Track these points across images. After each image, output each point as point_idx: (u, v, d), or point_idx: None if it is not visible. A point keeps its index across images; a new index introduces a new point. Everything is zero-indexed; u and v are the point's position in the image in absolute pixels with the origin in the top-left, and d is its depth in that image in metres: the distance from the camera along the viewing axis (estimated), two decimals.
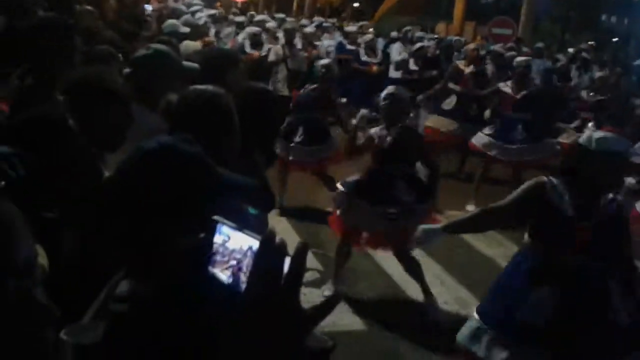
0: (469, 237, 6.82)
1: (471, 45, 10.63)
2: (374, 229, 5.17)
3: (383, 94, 5.25)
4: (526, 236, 3.42)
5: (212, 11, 14.49)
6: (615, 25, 34.79)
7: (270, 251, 1.53)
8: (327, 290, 5.14)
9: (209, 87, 2.47)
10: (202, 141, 1.89)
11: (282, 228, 5.93)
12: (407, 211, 5.01)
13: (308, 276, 5.37)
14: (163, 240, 1.65)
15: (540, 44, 15.53)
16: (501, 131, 7.89)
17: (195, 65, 3.87)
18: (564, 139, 9.57)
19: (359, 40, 13.42)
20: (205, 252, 1.60)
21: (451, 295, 5.41)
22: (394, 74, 12.00)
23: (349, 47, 13.36)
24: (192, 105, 2.32)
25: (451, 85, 9.38)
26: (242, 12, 21.59)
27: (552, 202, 3.20)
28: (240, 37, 12.16)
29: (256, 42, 11.38)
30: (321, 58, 12.75)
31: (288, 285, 1.51)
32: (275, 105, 3.64)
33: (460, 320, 4.83)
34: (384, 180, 5.10)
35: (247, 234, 1.57)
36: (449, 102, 9.21)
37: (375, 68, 12.59)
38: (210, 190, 1.69)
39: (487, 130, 8.06)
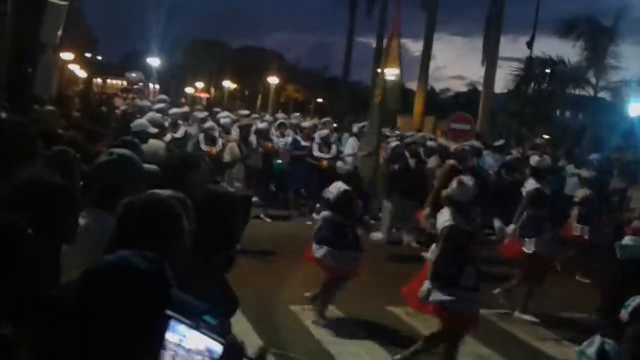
0: None
1: (460, 146, 10.81)
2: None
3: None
4: None
5: (181, 109, 14.66)
6: (570, 119, 36.14)
7: (232, 354, 1.53)
8: None
9: (157, 192, 2.49)
10: (148, 248, 1.89)
11: (243, 329, 5.82)
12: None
13: None
14: None
15: (501, 141, 15.96)
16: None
17: (156, 168, 3.90)
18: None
19: (314, 135, 13.66)
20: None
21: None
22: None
23: (304, 143, 13.60)
24: (137, 212, 2.34)
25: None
26: (207, 108, 21.98)
27: None
28: (197, 134, 12.44)
29: (211, 137, 11.66)
30: (277, 154, 13.15)
31: None
32: (236, 208, 3.67)
33: None
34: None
35: (203, 333, 1.56)
36: None
37: (324, 163, 12.80)
38: (160, 312, 1.68)
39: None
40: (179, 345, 1.57)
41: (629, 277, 3.88)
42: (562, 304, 8.14)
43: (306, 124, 15.81)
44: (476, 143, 13.67)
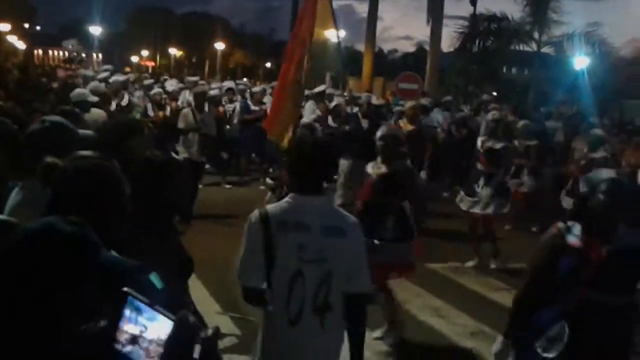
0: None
1: (409, 103, 10.79)
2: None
3: (378, 134, 5.75)
4: None
5: (123, 77, 14.37)
6: (516, 76, 36.64)
7: (182, 335, 1.50)
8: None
9: (88, 154, 2.42)
10: (84, 214, 1.84)
11: (200, 294, 5.79)
12: (388, 248, 5.35)
13: (227, 342, 5.26)
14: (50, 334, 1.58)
15: (448, 97, 16.11)
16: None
17: (91, 133, 3.80)
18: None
19: (265, 100, 13.60)
20: (110, 337, 1.54)
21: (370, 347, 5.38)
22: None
23: (253, 107, 13.53)
24: (71, 175, 2.27)
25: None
26: (152, 76, 21.60)
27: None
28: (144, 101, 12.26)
29: (158, 104, 11.49)
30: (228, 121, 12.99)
31: None
32: (179, 175, 3.64)
33: None
34: (377, 213, 5.40)
35: (159, 311, 1.52)
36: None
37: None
38: (90, 275, 1.64)
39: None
40: (141, 337, 1.54)
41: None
42: (515, 256, 8.34)
43: (256, 88, 15.69)
44: (424, 101, 13.76)
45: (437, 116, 13.62)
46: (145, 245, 3.13)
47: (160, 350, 1.50)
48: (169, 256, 3.48)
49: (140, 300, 1.53)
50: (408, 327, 5.86)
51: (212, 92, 12.66)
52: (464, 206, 8.05)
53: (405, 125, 9.58)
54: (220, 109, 12.44)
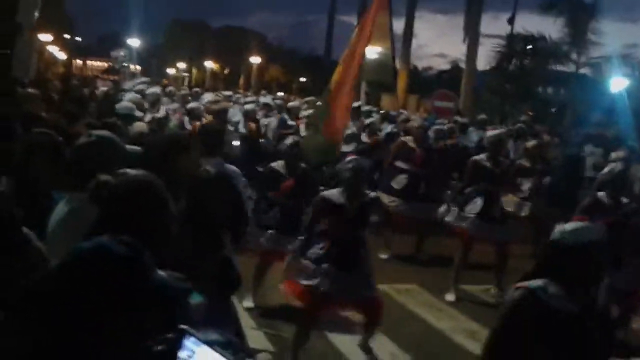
0: (422, 311, 6.83)
1: (415, 123, 10.28)
2: (345, 295, 5.21)
3: (344, 166, 5.34)
4: None
5: (159, 89, 14.53)
6: (552, 96, 36.24)
7: None
8: None
9: (138, 173, 2.44)
10: (133, 233, 1.85)
11: None
12: (368, 281, 5.28)
13: (261, 358, 5.24)
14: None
15: (483, 116, 16.01)
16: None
17: (138, 149, 3.83)
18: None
19: (301, 115, 13.63)
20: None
21: None
22: (344, 147, 12.17)
23: (290, 122, 13.55)
24: (122, 194, 2.29)
25: (399, 163, 8.99)
26: (190, 89, 21.83)
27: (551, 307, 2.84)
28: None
29: (195, 116, 11.44)
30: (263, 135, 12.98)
31: None
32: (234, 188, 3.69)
33: None
34: (351, 248, 5.23)
35: (216, 350, 1.51)
36: (399, 181, 8.90)
37: None
38: (143, 295, 1.65)
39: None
40: None
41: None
42: None
43: (293, 103, 15.77)
44: (460, 119, 13.69)
45: (472, 135, 13.53)
46: (194, 260, 3.16)
47: None
48: (215, 271, 3.51)
49: (197, 338, 1.53)
50: (444, 350, 5.81)
51: (247, 107, 12.71)
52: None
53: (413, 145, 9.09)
54: (253, 125, 12.42)
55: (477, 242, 7.55)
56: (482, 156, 7.63)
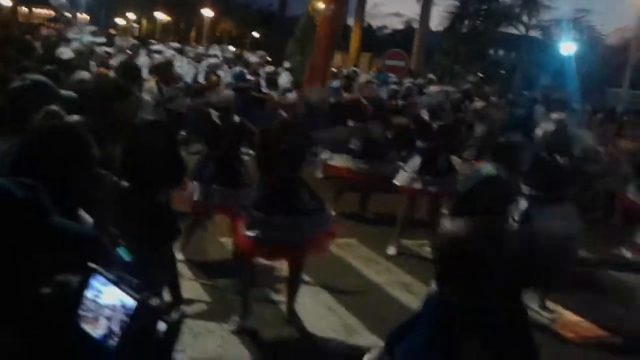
0: (358, 264, 6.97)
1: (363, 77, 10.26)
2: (284, 239, 5.00)
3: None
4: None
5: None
6: (502, 58, 36.66)
7: (144, 315, 1.49)
8: (232, 324, 5.01)
9: (61, 116, 2.41)
10: (48, 176, 1.84)
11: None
12: (315, 219, 5.10)
13: (196, 308, 5.31)
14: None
15: (431, 75, 16.15)
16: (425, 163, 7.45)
17: (74, 95, 3.79)
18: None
19: (260, 71, 13.55)
20: (72, 304, 1.54)
21: (341, 322, 5.46)
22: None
23: (249, 77, 13.48)
24: (42, 135, 2.25)
25: (351, 123, 8.69)
26: (139, 39, 21.35)
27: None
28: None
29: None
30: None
31: (160, 351, 1.48)
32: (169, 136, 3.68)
33: (350, 347, 4.96)
34: (291, 189, 5.04)
35: (122, 289, 1.52)
36: (355, 141, 8.65)
37: (272, 96, 12.70)
38: (42, 240, 1.65)
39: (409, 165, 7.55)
40: (93, 301, 1.53)
41: None
42: None
43: (253, 58, 15.63)
44: (416, 81, 13.86)
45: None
46: (134, 207, 3.17)
47: (116, 315, 1.49)
48: (156, 218, 3.52)
49: (107, 278, 1.53)
50: (380, 302, 5.95)
51: (212, 61, 12.54)
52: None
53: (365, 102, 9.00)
54: (215, 77, 12.19)
55: (419, 197, 7.67)
56: (423, 112, 7.69)
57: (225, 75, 13.49)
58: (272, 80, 13.16)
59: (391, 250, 7.45)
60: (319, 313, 5.59)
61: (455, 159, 9.08)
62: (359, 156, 8.61)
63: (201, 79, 12.62)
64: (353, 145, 8.68)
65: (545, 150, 5.97)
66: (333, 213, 8.40)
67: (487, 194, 3.04)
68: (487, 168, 3.18)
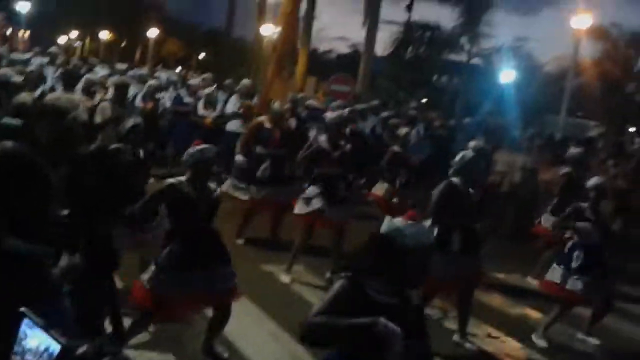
0: (303, 291, 6.97)
1: (276, 105, 9.60)
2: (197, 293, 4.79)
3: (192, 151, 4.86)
4: None
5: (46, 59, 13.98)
6: (446, 84, 37.46)
7: None
8: None
9: (9, 145, 2.36)
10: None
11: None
12: (225, 274, 4.94)
13: (140, 338, 5.20)
14: None
15: (375, 102, 16.33)
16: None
17: (14, 122, 3.71)
18: (377, 190, 9.88)
19: (199, 93, 13.50)
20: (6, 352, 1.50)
21: (285, 352, 5.44)
22: (230, 126, 12.16)
23: (187, 99, 13.40)
24: None
25: (260, 149, 8.58)
26: (83, 59, 21.02)
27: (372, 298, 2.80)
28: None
29: (89, 91, 10.99)
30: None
31: None
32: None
33: None
34: (208, 240, 4.84)
35: (50, 335, 1.48)
36: (263, 170, 8.42)
37: (209, 121, 12.65)
38: None
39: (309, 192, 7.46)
40: (18, 344, 1.50)
41: None
42: None
43: (193, 81, 15.53)
44: (359, 106, 14.00)
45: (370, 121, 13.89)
46: (69, 236, 3.11)
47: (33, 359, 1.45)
48: (93, 250, 3.46)
49: (36, 323, 1.49)
50: None
51: (152, 83, 12.40)
52: None
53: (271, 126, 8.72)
54: (151, 103, 12.02)
55: (317, 223, 7.50)
56: (322, 138, 7.54)
57: (164, 98, 13.37)
58: (211, 103, 13.12)
59: (285, 279, 7.27)
60: (263, 341, 5.56)
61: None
62: (264, 182, 8.36)
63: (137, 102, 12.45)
64: (260, 173, 8.43)
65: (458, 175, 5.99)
66: (240, 242, 8.28)
67: (418, 258, 2.87)
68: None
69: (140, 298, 4.70)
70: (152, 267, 4.71)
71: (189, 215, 4.74)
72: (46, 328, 1.48)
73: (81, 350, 1.43)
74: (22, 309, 1.52)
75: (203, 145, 4.91)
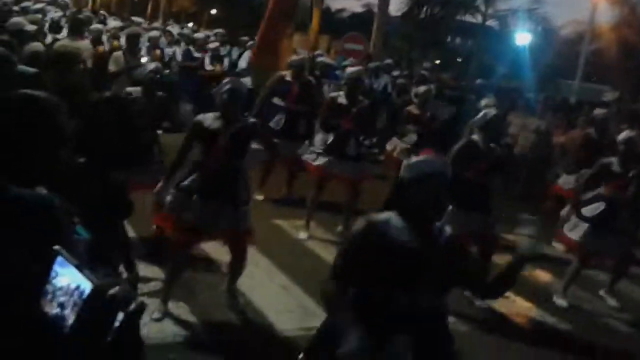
0: (314, 246, 6.99)
1: (294, 57, 9.42)
2: (219, 228, 4.99)
3: (223, 88, 4.95)
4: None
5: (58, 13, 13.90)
6: (459, 46, 37.03)
7: (98, 304, 1.43)
8: (156, 313, 4.83)
9: (22, 92, 2.33)
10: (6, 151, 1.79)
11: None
12: (244, 211, 5.04)
13: (152, 286, 5.26)
14: None
15: (388, 60, 16.17)
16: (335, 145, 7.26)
17: (31, 70, 3.69)
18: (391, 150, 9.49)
19: (207, 47, 13.47)
20: (36, 286, 1.49)
21: (296, 303, 5.48)
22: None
23: (196, 54, 13.37)
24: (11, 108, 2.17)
25: (276, 100, 8.54)
26: (94, 12, 20.88)
27: (393, 239, 2.81)
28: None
29: (99, 40, 11.05)
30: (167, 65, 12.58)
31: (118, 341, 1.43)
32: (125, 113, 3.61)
33: (305, 328, 4.97)
34: (229, 176, 4.95)
35: (84, 273, 1.46)
36: (277, 121, 8.40)
37: (219, 72, 12.57)
38: None
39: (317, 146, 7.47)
40: (50, 282, 1.48)
41: None
42: None
43: (199, 35, 15.43)
44: (371, 64, 13.84)
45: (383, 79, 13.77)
46: (89, 184, 3.11)
47: (72, 299, 1.44)
48: (108, 197, 3.47)
49: (69, 261, 1.48)
50: None
51: (152, 34, 12.35)
52: None
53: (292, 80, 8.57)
54: (158, 52, 12.04)
55: (328, 179, 7.41)
56: (340, 93, 7.40)
57: (175, 52, 13.35)
58: (216, 57, 13.07)
59: (302, 235, 7.27)
60: (275, 293, 5.61)
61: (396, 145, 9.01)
62: (277, 134, 8.13)
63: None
64: (274, 124, 8.39)
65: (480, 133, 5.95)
66: (260, 197, 8.16)
67: (424, 189, 2.86)
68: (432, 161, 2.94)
69: (161, 221, 5.15)
70: (172, 191, 4.97)
71: (212, 148, 4.91)
72: (79, 267, 1.47)
73: (112, 291, 1.42)
74: (56, 247, 1.50)
75: (233, 83, 5.04)
